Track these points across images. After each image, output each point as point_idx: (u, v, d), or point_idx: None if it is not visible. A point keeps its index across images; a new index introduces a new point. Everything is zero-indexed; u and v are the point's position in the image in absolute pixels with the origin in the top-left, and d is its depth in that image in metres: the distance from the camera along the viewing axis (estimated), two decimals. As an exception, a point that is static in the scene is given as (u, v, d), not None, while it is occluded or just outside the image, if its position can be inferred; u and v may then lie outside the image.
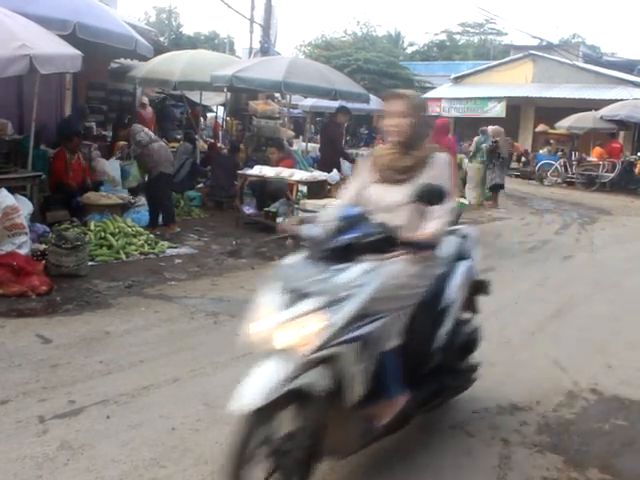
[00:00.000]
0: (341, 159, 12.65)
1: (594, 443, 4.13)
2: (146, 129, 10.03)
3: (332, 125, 12.63)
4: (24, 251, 6.96)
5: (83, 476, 3.39)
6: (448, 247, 3.93)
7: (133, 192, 10.52)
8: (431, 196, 3.31)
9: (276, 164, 11.29)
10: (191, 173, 12.77)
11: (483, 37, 53.65)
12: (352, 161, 13.00)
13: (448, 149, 10.69)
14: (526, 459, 3.86)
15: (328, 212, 3.71)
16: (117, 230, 8.47)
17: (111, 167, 10.51)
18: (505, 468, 3.74)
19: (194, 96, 16.23)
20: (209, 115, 22.49)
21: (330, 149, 12.25)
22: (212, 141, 16.10)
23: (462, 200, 11.70)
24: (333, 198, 10.20)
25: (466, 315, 4.22)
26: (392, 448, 3.85)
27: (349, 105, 13.34)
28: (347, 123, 19.93)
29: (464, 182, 16.77)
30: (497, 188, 15.78)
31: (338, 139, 12.66)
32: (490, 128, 16.61)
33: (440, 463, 3.74)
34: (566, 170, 23.19)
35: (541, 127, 26.10)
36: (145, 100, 15.93)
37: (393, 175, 3.67)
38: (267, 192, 11.22)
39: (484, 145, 15.54)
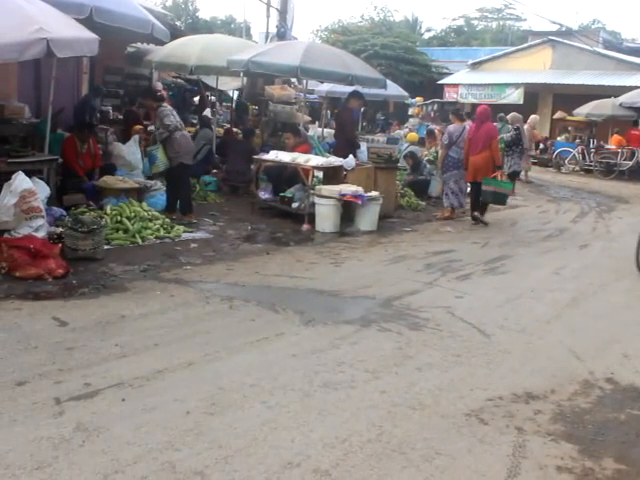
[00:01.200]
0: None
1: (609, 433, 4.10)
2: (175, 112, 9.77)
3: (345, 110, 12.59)
4: (41, 234, 7.00)
5: (98, 458, 3.41)
6: None
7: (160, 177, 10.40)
8: None
9: (292, 149, 11.27)
10: (207, 159, 12.79)
11: (501, 23, 53.24)
12: (358, 147, 13.00)
13: (489, 134, 10.96)
14: (540, 448, 3.84)
15: None
16: (133, 214, 8.49)
17: (127, 151, 10.52)
18: (519, 457, 3.72)
19: (210, 81, 16.23)
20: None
21: (343, 135, 12.23)
22: (228, 126, 16.09)
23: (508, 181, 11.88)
24: (349, 184, 10.21)
25: None
26: (406, 435, 3.85)
27: (365, 91, 13.30)
28: (363, 108, 19.88)
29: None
30: (516, 175, 15.69)
31: (350, 124, 12.58)
32: (509, 115, 16.51)
33: (454, 450, 3.74)
34: (584, 158, 22.97)
35: (559, 114, 25.86)
36: (159, 86, 15.93)
37: None
38: (283, 177, 11.20)
39: (505, 135, 15.45)
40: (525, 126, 18.28)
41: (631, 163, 21.52)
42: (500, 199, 11.39)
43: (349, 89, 12.87)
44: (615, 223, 12.78)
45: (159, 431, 3.72)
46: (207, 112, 17.02)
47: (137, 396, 4.13)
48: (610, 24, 77.52)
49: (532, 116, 19.86)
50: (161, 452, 3.50)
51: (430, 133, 17.02)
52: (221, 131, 15.21)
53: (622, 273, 8.52)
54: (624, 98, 23.01)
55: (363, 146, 14.32)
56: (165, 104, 9.64)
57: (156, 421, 3.83)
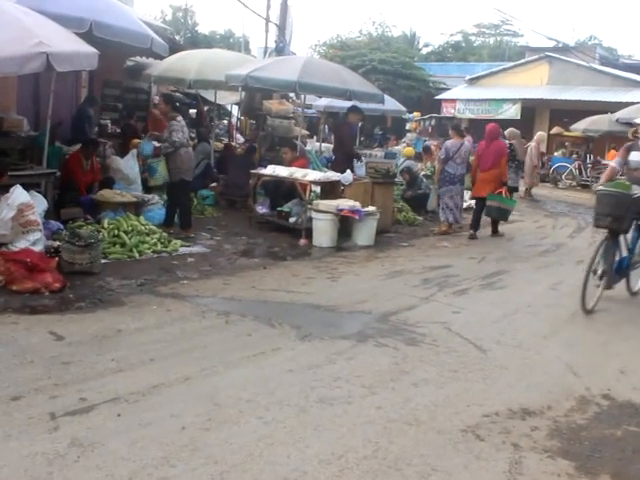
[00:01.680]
0: (354, 159, 12.67)
1: (606, 449, 4.09)
2: (186, 129, 9.71)
3: (344, 125, 12.62)
4: (38, 248, 7.00)
5: (93, 473, 3.40)
6: None
7: (159, 190, 10.46)
8: None
9: (289, 164, 11.29)
10: (204, 174, 12.81)
11: (499, 38, 53.50)
12: (359, 159, 13.07)
13: (499, 152, 11.43)
14: (537, 464, 3.83)
15: None
16: (130, 228, 8.49)
17: (125, 165, 10.53)
18: (515, 473, 3.72)
19: (209, 95, 16.28)
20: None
21: (342, 149, 12.26)
22: (227, 142, 16.13)
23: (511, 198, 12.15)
24: (346, 199, 10.23)
25: None
26: (402, 451, 3.84)
27: (363, 105, 13.35)
28: (361, 123, 19.93)
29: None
30: (512, 191, 15.72)
31: (348, 138, 12.61)
32: (507, 131, 16.57)
33: (450, 467, 3.73)
34: (581, 173, 23.06)
35: (556, 129, 25.97)
36: (156, 100, 15.95)
37: None
38: (280, 192, 11.22)
39: None
40: (532, 143, 18.31)
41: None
42: (503, 214, 11.74)
43: (347, 104, 12.92)
44: (612, 238, 12.79)
45: (154, 447, 3.70)
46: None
47: (133, 411, 4.12)
48: (606, 40, 77.96)
49: (539, 133, 19.82)
50: (156, 468, 3.49)
51: (427, 149, 17.12)
52: (219, 145, 15.23)
53: (618, 289, 8.52)
54: (621, 114, 23.11)
55: (362, 168, 14.41)
56: (180, 118, 9.59)
57: (152, 436, 3.82)
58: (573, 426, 4.38)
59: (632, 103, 24.18)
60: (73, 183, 9.37)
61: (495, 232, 12.09)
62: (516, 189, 15.77)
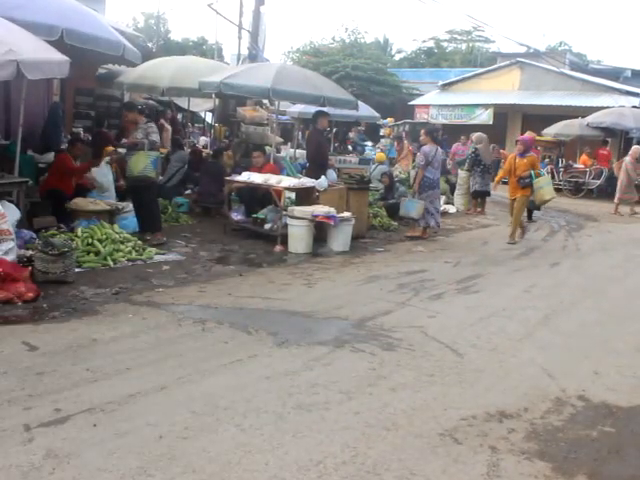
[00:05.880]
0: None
1: (582, 450, 4.13)
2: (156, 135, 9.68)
3: (314, 131, 12.59)
4: (10, 257, 6.92)
5: (69, 485, 3.36)
6: None
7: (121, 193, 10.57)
8: None
9: (260, 168, 11.32)
10: (183, 181, 12.76)
11: (471, 44, 53.79)
12: (329, 167, 13.29)
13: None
14: (514, 466, 3.86)
15: None
16: (104, 236, 8.42)
17: (99, 173, 10.44)
18: (493, 475, 3.74)
19: (182, 102, 16.23)
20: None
21: (314, 155, 12.25)
22: (196, 147, 16.08)
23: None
24: (321, 204, 10.23)
25: None
26: (380, 456, 3.84)
27: (337, 112, 13.36)
28: (335, 129, 19.98)
29: (453, 189, 16.92)
30: (478, 195, 15.88)
31: (318, 144, 12.55)
32: (474, 135, 16.76)
33: (429, 471, 3.74)
34: (553, 177, 23.28)
35: (528, 134, 26.21)
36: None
37: None
38: (255, 198, 11.21)
39: (469, 156, 16.02)
40: (627, 158, 18.13)
41: (599, 182, 21.87)
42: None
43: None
44: (584, 241, 12.96)
45: (132, 456, 3.67)
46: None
47: (109, 421, 4.08)
48: (576, 46, 78.61)
49: (635, 147, 19.09)
50: (134, 478, 3.46)
51: (399, 138, 17.36)
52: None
53: (592, 291, 8.63)
54: (591, 118, 23.43)
55: (333, 173, 14.48)
56: (152, 122, 9.62)
57: (128, 446, 3.78)
58: (549, 428, 4.42)
59: (601, 107, 24.54)
60: (60, 191, 9.33)
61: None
62: (488, 193, 15.88)
